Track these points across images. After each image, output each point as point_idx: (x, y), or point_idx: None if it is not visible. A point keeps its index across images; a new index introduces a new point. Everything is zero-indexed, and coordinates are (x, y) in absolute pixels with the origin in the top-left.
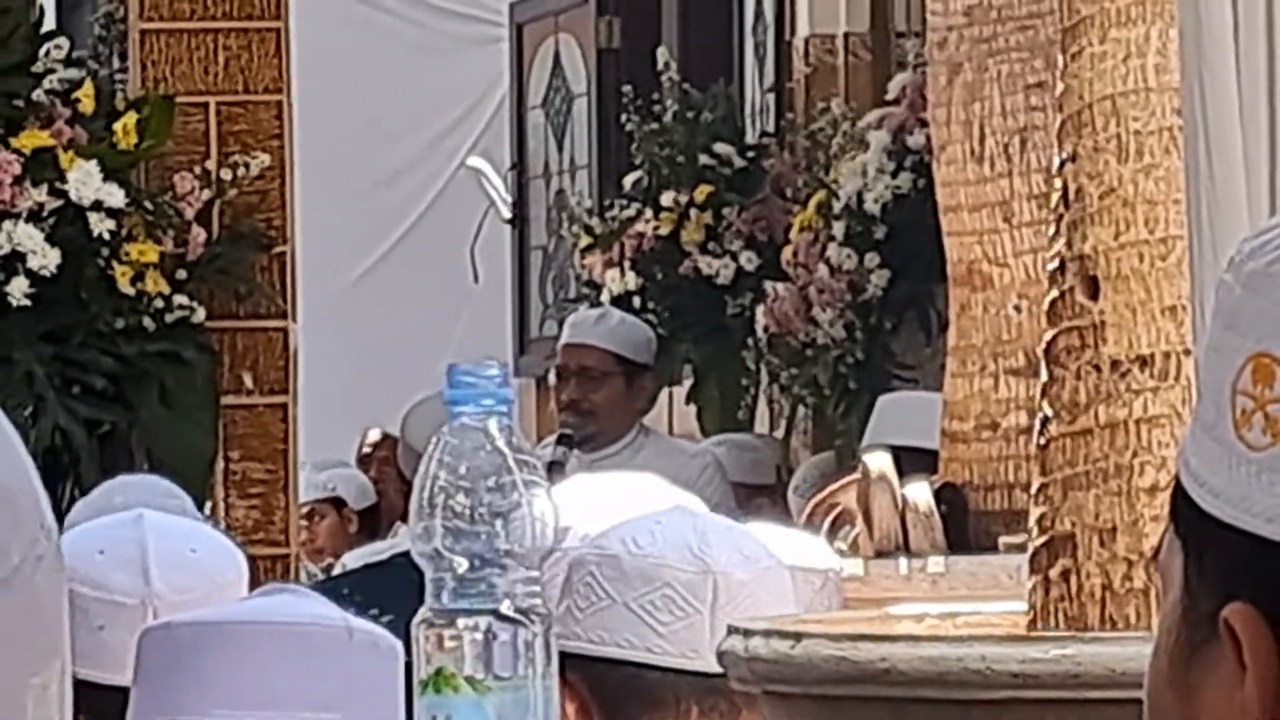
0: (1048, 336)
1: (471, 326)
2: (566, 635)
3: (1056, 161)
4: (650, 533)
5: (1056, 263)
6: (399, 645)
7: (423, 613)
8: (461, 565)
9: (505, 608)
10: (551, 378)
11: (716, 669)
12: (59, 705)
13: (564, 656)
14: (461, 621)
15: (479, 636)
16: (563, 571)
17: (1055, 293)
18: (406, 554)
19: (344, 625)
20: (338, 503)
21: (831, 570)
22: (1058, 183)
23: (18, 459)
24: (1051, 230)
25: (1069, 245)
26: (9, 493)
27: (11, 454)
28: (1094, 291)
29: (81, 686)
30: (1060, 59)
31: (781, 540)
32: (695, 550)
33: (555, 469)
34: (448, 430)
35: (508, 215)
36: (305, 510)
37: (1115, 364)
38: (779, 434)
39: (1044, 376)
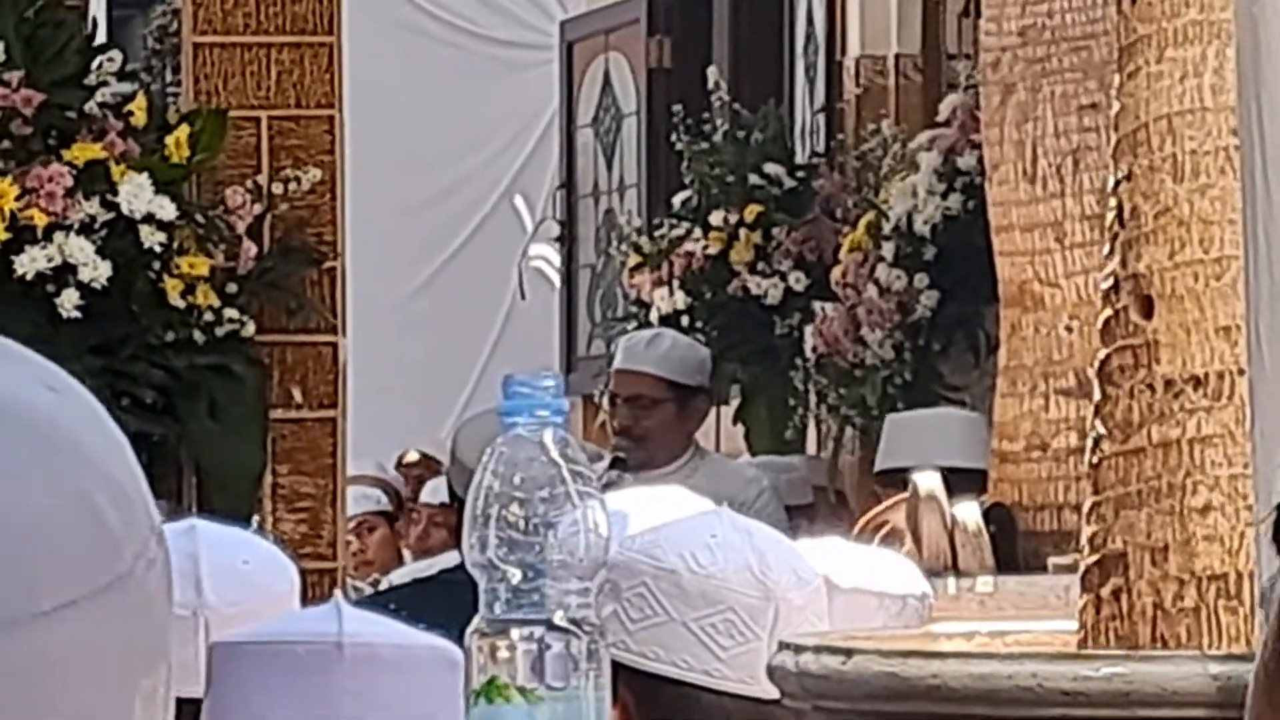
0: (1101, 355)
1: (518, 344)
2: (613, 643)
3: (1112, 180)
4: (709, 549)
5: (1111, 281)
6: (457, 655)
7: (476, 623)
8: (515, 576)
9: (558, 618)
10: (605, 401)
11: (770, 694)
12: (164, 709)
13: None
14: (515, 632)
15: (532, 647)
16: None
17: (1109, 311)
18: (453, 569)
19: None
20: (389, 516)
21: (912, 595)
22: (1113, 202)
23: (129, 462)
24: (1106, 249)
25: (1123, 264)
26: (124, 493)
27: (124, 456)
28: (1148, 311)
29: None
30: (1116, 78)
31: (863, 561)
32: (757, 573)
33: (609, 491)
34: (502, 441)
35: (536, 264)
36: (355, 522)
37: (1169, 383)
38: (826, 454)
39: (1097, 395)
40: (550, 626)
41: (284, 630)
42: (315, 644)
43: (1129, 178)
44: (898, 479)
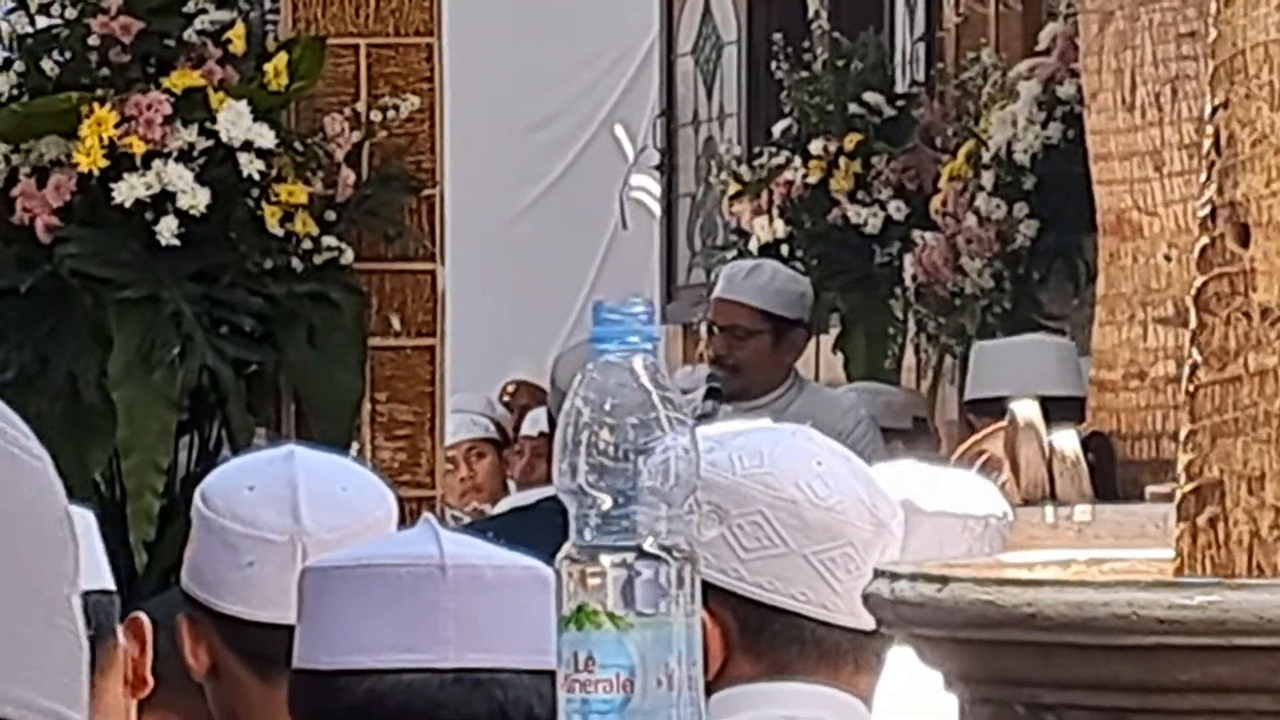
0: (1198, 283)
1: (621, 273)
2: (722, 569)
3: (1209, 108)
4: (822, 479)
5: (1207, 209)
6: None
7: (566, 549)
8: (605, 502)
9: (649, 545)
10: (703, 329)
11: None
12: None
13: (714, 588)
14: (605, 558)
15: (622, 573)
16: (700, 494)
17: (1206, 239)
18: (552, 498)
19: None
20: (498, 444)
21: (994, 515)
22: (1209, 129)
23: None
24: (1203, 177)
25: (1220, 192)
26: None
27: None
28: (1245, 238)
29: (229, 622)
30: (1213, 5)
31: (945, 483)
32: (868, 504)
33: (704, 421)
34: (592, 367)
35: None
36: (465, 448)
37: (1265, 311)
38: (926, 383)
39: (1193, 323)
40: (640, 553)
41: (383, 553)
42: (418, 566)
43: (1225, 105)
44: (991, 407)
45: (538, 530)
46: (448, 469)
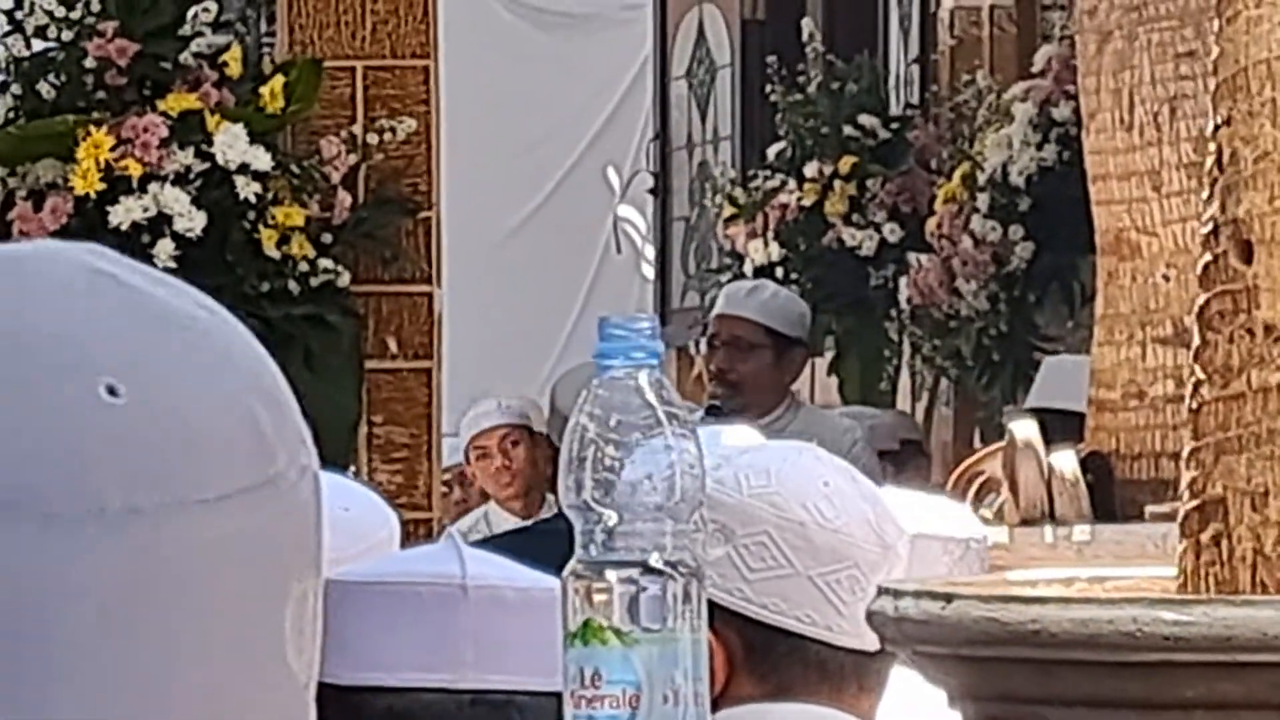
0: (1200, 301)
1: (611, 297)
2: (727, 589)
3: (1210, 126)
4: (829, 500)
5: (1210, 227)
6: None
7: (571, 565)
8: (611, 518)
9: (654, 560)
10: (703, 348)
11: (876, 647)
12: (314, 619)
13: (719, 607)
14: (610, 574)
15: (628, 589)
16: (707, 512)
17: (1208, 257)
18: (549, 520)
19: (459, 583)
20: (530, 431)
21: (974, 539)
22: (1211, 146)
23: (277, 376)
24: (1205, 194)
25: (1222, 209)
26: (276, 401)
27: (272, 370)
28: (1247, 256)
29: None
30: (1216, 23)
31: (924, 507)
32: (874, 525)
33: None
34: (597, 383)
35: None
36: (500, 435)
37: (1269, 329)
38: (921, 405)
39: (1196, 340)
40: (646, 569)
41: (404, 571)
42: (439, 585)
43: (1228, 122)
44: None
45: (536, 550)
46: (479, 460)
